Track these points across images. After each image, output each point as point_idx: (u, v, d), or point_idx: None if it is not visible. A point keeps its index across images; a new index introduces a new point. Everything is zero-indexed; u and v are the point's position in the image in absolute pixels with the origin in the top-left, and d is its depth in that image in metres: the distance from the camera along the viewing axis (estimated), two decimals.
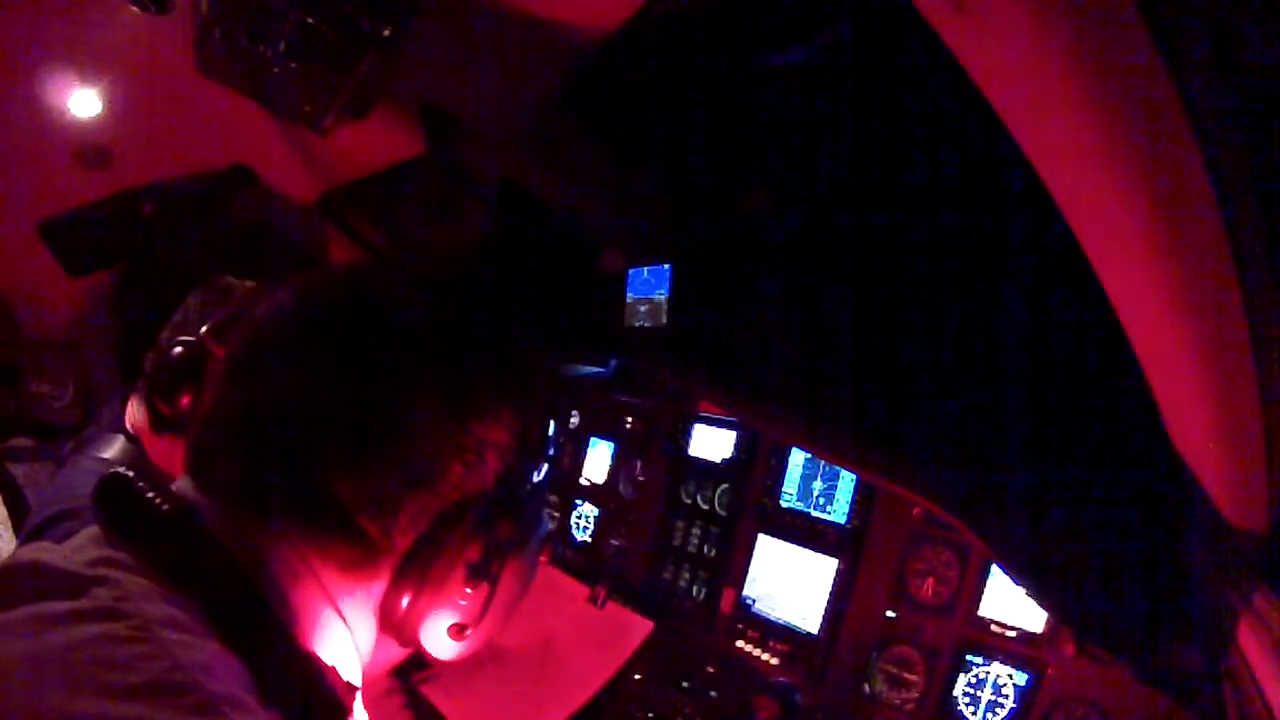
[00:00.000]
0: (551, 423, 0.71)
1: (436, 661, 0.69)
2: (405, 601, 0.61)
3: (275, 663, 0.52)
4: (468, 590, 0.63)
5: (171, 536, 0.54)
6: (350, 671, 0.61)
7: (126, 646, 0.45)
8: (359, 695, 0.62)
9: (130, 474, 0.57)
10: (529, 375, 0.68)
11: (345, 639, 0.61)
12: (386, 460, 0.59)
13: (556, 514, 2.61)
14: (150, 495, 0.56)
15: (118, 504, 0.56)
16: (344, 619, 0.60)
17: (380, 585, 0.61)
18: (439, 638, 0.65)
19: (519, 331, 0.68)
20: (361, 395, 0.59)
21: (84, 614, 0.46)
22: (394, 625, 0.62)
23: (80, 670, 0.43)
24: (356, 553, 0.59)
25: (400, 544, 0.60)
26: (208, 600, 0.51)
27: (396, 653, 0.68)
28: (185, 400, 1.18)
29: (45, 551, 0.54)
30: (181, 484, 0.60)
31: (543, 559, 2.56)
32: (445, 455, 0.60)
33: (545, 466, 0.69)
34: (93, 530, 0.56)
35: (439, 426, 0.60)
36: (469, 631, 0.65)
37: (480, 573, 0.63)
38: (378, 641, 0.64)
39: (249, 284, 1.26)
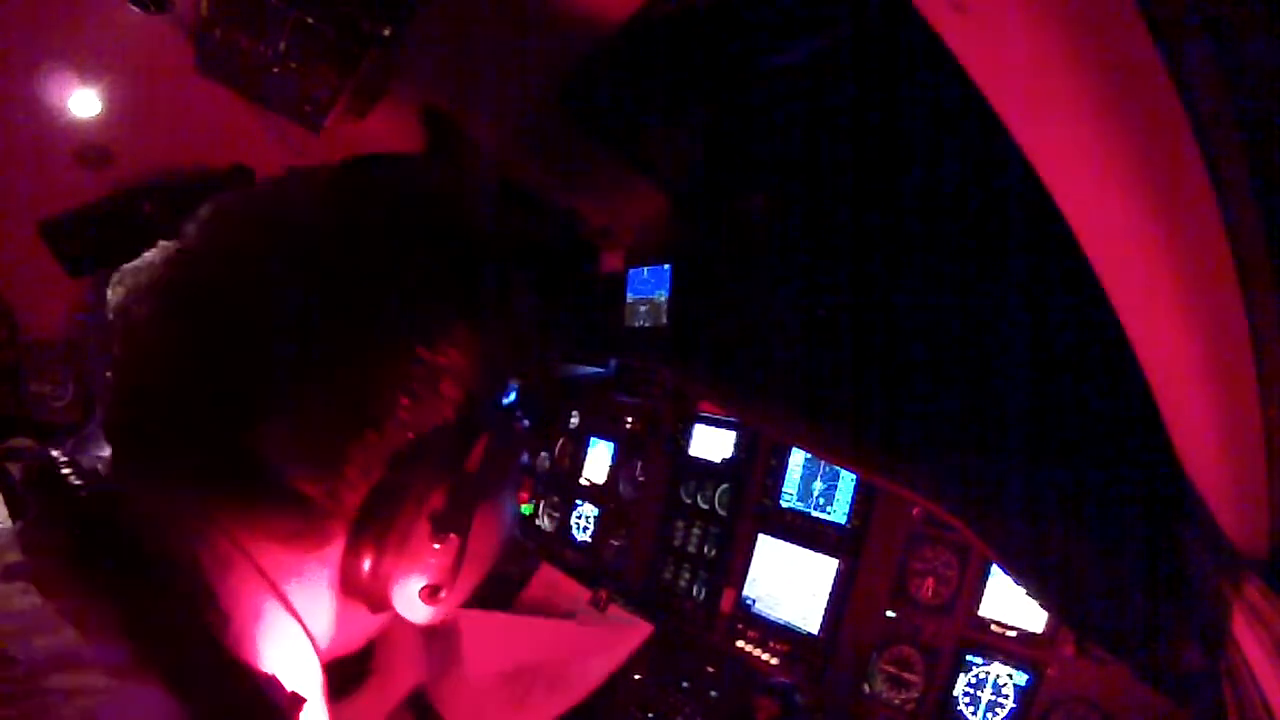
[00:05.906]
0: (531, 328, 0.60)
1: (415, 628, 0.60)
2: (367, 565, 0.52)
3: (198, 686, 0.43)
4: (435, 546, 0.54)
5: (83, 534, 0.47)
6: (299, 675, 0.52)
7: (9, 706, 0.38)
8: (313, 701, 0.53)
9: (57, 457, 0.51)
10: (489, 276, 0.55)
11: (293, 632, 0.52)
12: (314, 404, 0.48)
13: (556, 514, 2.61)
14: (73, 482, 0.49)
15: (40, 493, 0.50)
16: (290, 608, 0.52)
17: (335, 551, 0.52)
18: (411, 601, 0.56)
19: (477, 223, 0.56)
20: (269, 330, 0.49)
21: None
22: (360, 592, 0.54)
23: None
24: (296, 521, 0.50)
25: (350, 500, 0.50)
26: (121, 611, 0.43)
27: (371, 621, 0.60)
28: None
29: None
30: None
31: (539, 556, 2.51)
32: (387, 388, 0.50)
33: (518, 386, 0.58)
34: (19, 526, 0.50)
35: (374, 354, 0.50)
36: (443, 594, 0.57)
37: (447, 523, 0.54)
38: (346, 612, 0.56)
39: None
